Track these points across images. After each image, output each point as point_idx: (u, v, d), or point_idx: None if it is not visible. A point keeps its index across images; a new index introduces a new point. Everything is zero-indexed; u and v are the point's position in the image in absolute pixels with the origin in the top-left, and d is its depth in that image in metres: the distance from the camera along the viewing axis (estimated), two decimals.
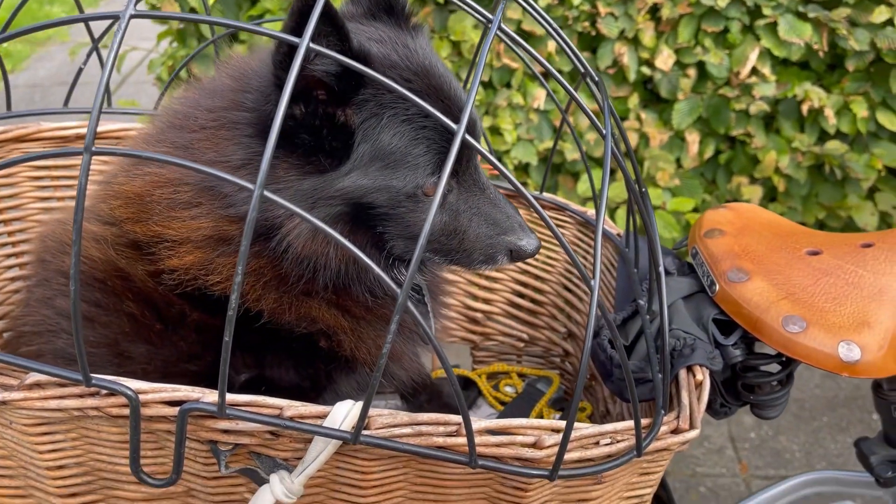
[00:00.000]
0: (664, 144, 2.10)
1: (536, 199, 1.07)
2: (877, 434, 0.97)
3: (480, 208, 0.73)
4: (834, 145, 2.04)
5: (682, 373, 0.72)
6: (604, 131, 0.61)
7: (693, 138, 2.09)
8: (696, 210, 2.10)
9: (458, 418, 0.60)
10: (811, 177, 2.15)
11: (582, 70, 0.68)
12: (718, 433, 2.40)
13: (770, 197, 2.22)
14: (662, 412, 0.66)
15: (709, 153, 2.13)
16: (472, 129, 0.73)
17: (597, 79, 0.69)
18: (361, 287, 0.73)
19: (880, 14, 1.86)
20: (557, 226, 1.06)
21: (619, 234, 0.99)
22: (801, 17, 1.92)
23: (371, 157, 0.68)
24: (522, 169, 2.16)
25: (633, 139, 2.04)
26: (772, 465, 2.32)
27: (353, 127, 0.68)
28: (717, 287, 0.81)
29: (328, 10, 0.59)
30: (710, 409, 0.89)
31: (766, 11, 1.90)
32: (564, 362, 1.09)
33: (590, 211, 1.05)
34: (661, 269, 0.70)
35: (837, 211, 2.19)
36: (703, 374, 0.72)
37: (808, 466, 2.32)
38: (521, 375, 1.08)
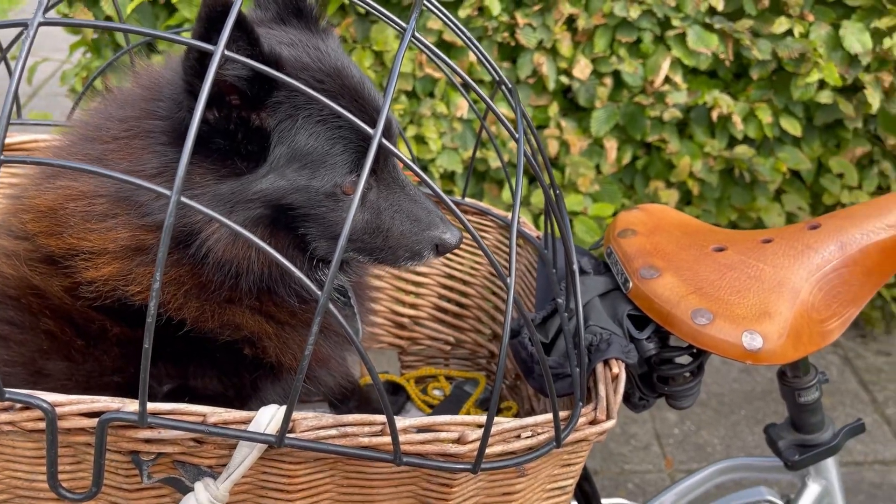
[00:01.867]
0: (584, 151, 2.16)
1: (458, 204, 1.09)
2: (784, 420, 1.03)
3: (401, 205, 0.74)
4: (742, 150, 2.15)
5: (600, 367, 0.75)
6: (517, 136, 0.63)
7: (611, 145, 2.16)
8: (615, 214, 2.17)
9: (382, 418, 0.61)
10: (723, 180, 2.26)
11: (497, 79, 0.71)
12: (644, 430, 2.48)
13: (686, 200, 2.32)
14: (580, 404, 0.69)
15: (626, 159, 2.21)
16: (388, 129, 0.74)
17: (510, 86, 0.72)
18: (286, 290, 0.74)
19: (780, 25, 1.97)
20: (479, 231, 1.08)
21: (538, 237, 1.02)
22: (708, 28, 2.01)
23: (288, 159, 0.69)
24: (448, 177, 2.19)
25: (554, 147, 2.10)
26: (694, 459, 2.41)
27: (268, 129, 0.68)
28: (631, 284, 0.85)
29: (237, 15, 0.60)
30: (629, 402, 0.92)
31: (675, 23, 1.98)
32: (490, 363, 1.12)
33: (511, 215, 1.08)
34: (576, 267, 0.72)
35: (748, 212, 2.30)
36: (618, 367, 0.75)
37: (728, 456, 2.42)
38: (448, 378, 1.10)
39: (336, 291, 0.80)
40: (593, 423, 0.69)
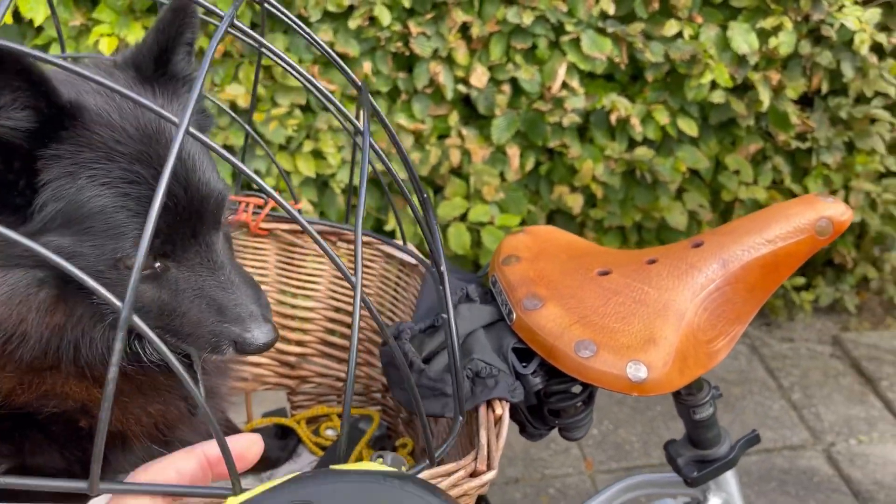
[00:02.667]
0: (487, 160, 2.14)
1: (339, 233, 1.03)
2: (682, 437, 1.02)
3: (205, 290, 0.66)
4: (642, 152, 2.16)
5: (482, 409, 0.71)
6: (361, 128, 0.58)
7: (513, 152, 2.14)
8: (523, 223, 2.15)
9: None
10: (625, 182, 2.27)
11: (349, 78, 0.66)
12: None
13: (591, 203, 2.32)
14: (461, 419, 0.65)
15: (530, 165, 2.20)
16: (200, 200, 0.65)
17: (359, 83, 0.67)
18: (91, 354, 0.66)
19: (671, 27, 1.99)
20: (366, 261, 1.03)
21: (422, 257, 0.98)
22: (602, 32, 2.02)
23: (64, 220, 0.61)
24: (353, 191, 2.12)
25: (457, 156, 2.06)
26: (614, 459, 2.42)
27: (39, 184, 0.61)
28: (515, 316, 0.81)
29: (24, 67, 0.53)
30: (525, 432, 0.89)
31: (568, 28, 1.98)
32: (385, 397, 1.07)
33: (396, 241, 1.03)
34: (444, 268, 0.67)
35: (651, 212, 2.33)
36: (502, 409, 0.71)
37: (646, 455, 2.44)
38: (341, 416, 1.05)
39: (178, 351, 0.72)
40: (474, 475, 0.64)
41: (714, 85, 2.08)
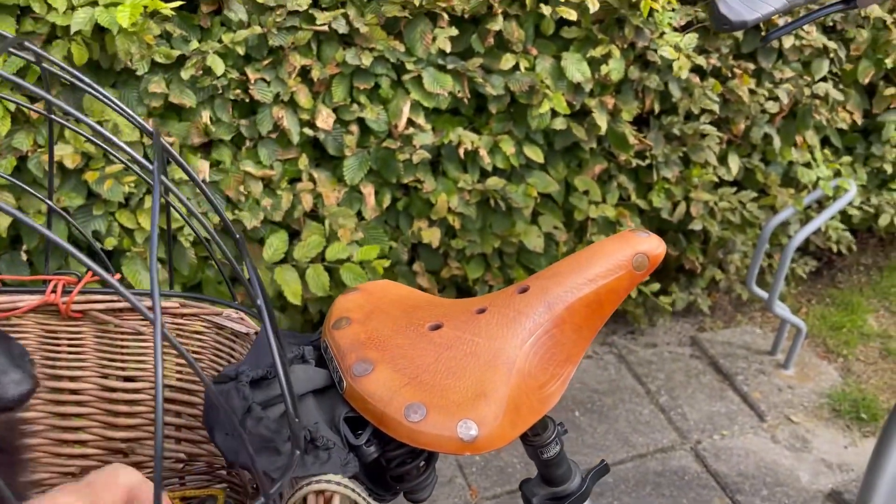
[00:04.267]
0: (342, 200, 2.12)
1: (167, 302, 0.98)
2: (535, 476, 1.03)
3: None
4: (493, 181, 2.21)
5: (311, 498, 0.68)
6: (152, 167, 0.54)
7: (368, 191, 2.13)
8: (383, 257, 2.14)
9: None
10: (481, 211, 2.31)
11: (141, 128, 0.62)
12: (447, 465, 2.48)
13: (451, 234, 2.35)
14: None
15: (387, 202, 2.19)
16: None
17: (150, 129, 0.63)
18: None
19: (508, 61, 2.05)
20: (198, 332, 0.98)
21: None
22: (442, 69, 2.05)
23: None
24: (201, 243, 2.05)
25: (309, 200, 2.03)
26: (497, 484, 2.44)
27: None
28: (345, 384, 0.79)
29: None
30: (372, 496, 0.87)
31: (409, 67, 2.00)
32: (232, 473, 1.02)
33: (226, 311, 0.99)
34: (261, 302, 0.63)
35: (509, 238, 2.38)
36: (335, 496, 0.69)
37: (529, 474, 2.47)
38: (184, 500, 0.99)
39: None
40: None
41: (554, 113, 2.16)
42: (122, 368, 0.97)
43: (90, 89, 0.61)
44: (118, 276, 1.05)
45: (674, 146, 2.43)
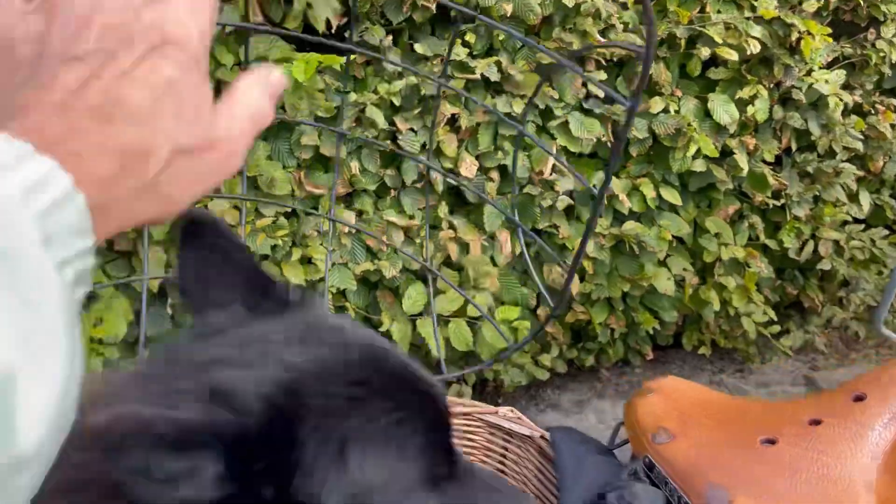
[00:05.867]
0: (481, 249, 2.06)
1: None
2: None
3: None
4: (631, 226, 2.14)
5: None
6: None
7: (504, 237, 2.07)
8: (518, 319, 2.08)
9: None
10: (611, 253, 2.24)
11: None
12: None
13: (580, 278, 2.28)
14: None
15: (518, 249, 2.13)
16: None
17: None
18: None
19: (657, 104, 1.99)
20: (468, 433, 0.92)
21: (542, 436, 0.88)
22: (588, 113, 1.99)
23: None
24: (341, 294, 2.00)
25: (455, 249, 1.97)
26: None
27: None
28: None
29: None
30: None
31: (557, 112, 1.94)
32: None
33: (502, 409, 0.93)
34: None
35: (639, 281, 2.30)
36: None
37: None
38: None
39: None
40: None
41: (696, 154, 2.09)
42: None
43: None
44: None
45: (806, 184, 2.35)
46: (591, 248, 2.13)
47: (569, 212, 2.17)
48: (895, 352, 2.97)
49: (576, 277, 2.13)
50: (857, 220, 2.64)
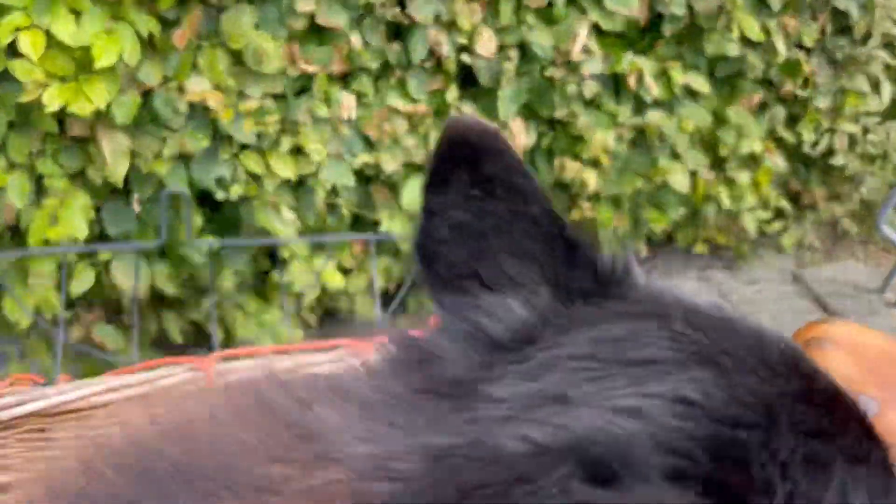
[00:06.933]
0: None
1: None
2: None
3: None
4: (656, 116, 1.93)
5: None
6: None
7: (519, 127, 1.83)
8: None
9: None
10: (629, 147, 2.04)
11: None
12: None
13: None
14: None
15: (532, 140, 1.91)
16: None
17: None
18: None
19: None
20: None
21: None
22: None
23: None
24: (331, 191, 1.75)
25: None
26: None
27: None
28: None
29: None
30: None
31: None
32: None
33: None
34: None
35: (653, 177, 2.12)
36: None
37: None
38: None
39: None
40: None
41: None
42: None
43: None
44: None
45: (835, 72, 2.17)
46: (610, 140, 1.92)
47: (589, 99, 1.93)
48: (883, 248, 2.93)
49: (591, 171, 1.92)
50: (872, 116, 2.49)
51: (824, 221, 2.96)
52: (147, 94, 1.43)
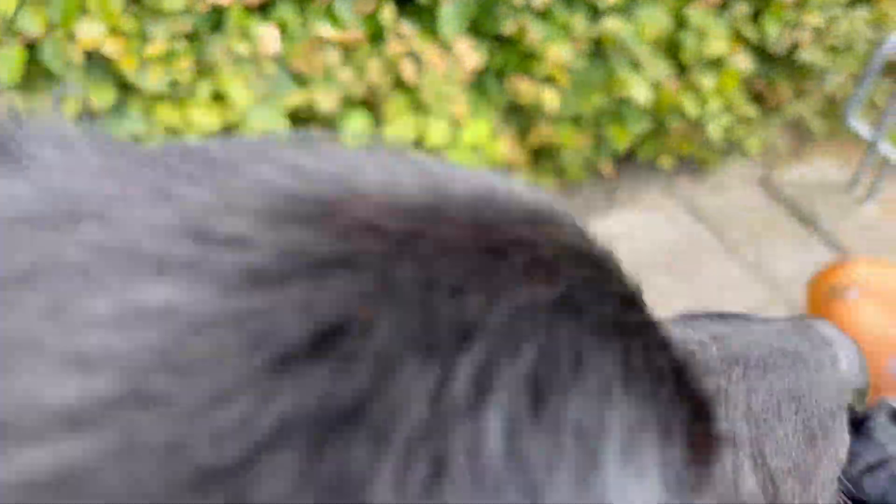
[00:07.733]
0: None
1: None
2: None
3: None
4: (613, 24, 1.77)
5: None
6: None
7: (465, 49, 1.66)
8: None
9: None
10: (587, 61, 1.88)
11: None
12: None
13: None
14: None
15: (480, 62, 1.73)
16: None
17: None
18: None
19: None
20: None
21: None
22: None
23: None
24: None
25: (410, 69, 1.55)
26: None
27: None
28: None
29: None
30: None
31: None
32: None
33: None
34: None
35: (613, 91, 1.97)
36: None
37: None
38: None
39: None
40: None
41: None
42: None
43: None
44: None
45: None
46: (567, 53, 1.76)
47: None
48: (852, 142, 2.84)
49: (549, 91, 1.77)
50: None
51: (789, 121, 2.86)
52: (32, 48, 1.23)
